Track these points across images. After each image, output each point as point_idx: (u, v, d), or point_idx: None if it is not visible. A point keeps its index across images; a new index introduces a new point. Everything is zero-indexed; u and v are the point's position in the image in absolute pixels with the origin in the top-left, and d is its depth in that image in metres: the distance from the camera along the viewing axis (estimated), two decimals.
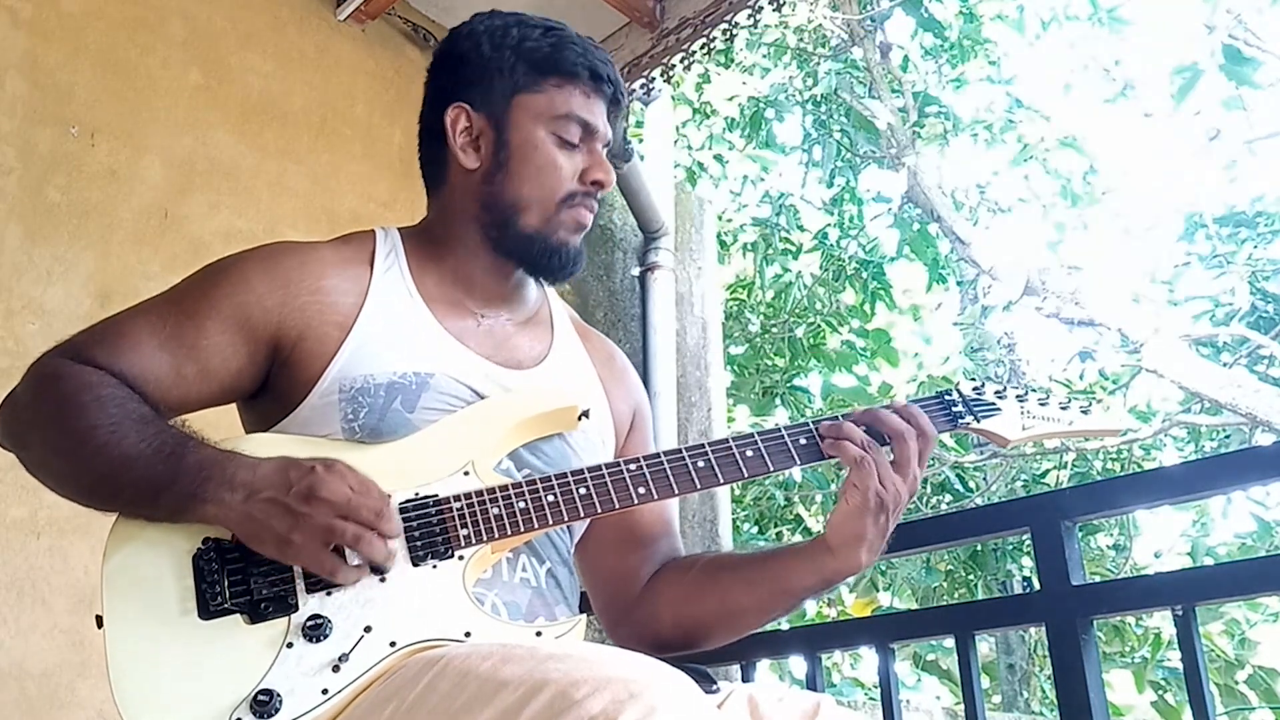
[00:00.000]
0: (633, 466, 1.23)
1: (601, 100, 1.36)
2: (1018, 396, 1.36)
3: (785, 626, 2.36)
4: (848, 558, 1.26)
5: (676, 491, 1.24)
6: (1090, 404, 1.39)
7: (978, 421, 1.34)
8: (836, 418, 1.28)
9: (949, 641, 3.65)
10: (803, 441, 1.27)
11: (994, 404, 1.35)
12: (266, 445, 1.20)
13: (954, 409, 1.34)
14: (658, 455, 1.25)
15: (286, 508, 1.09)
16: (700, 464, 1.25)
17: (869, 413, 1.28)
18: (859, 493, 1.23)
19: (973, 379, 1.40)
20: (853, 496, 1.24)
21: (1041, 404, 1.36)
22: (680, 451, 1.25)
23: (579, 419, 1.31)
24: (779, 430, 1.28)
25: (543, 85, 1.34)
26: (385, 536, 1.12)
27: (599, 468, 1.23)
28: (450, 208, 1.38)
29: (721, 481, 1.25)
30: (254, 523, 1.10)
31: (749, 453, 1.26)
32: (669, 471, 1.24)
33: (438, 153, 1.39)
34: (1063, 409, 1.37)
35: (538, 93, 1.34)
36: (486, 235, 1.35)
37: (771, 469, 1.27)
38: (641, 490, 1.22)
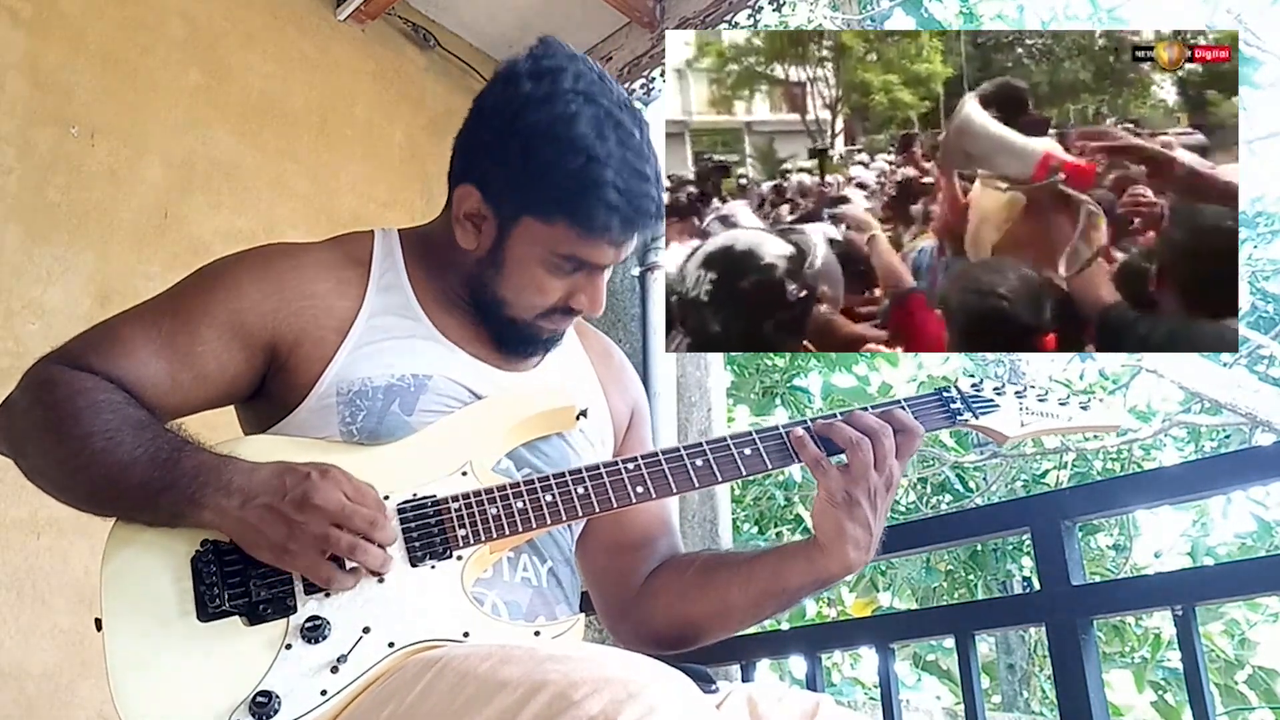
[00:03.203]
0: (631, 466, 1.23)
1: (618, 245, 1.26)
2: (1016, 393, 1.36)
3: (785, 626, 2.37)
4: (837, 554, 1.25)
5: (674, 490, 1.24)
6: (1089, 400, 1.39)
7: (976, 418, 1.34)
8: (834, 415, 1.28)
9: (949, 641, 3.65)
10: None
11: (992, 400, 1.35)
12: (264, 447, 1.20)
13: (952, 406, 1.34)
14: (656, 455, 1.25)
15: (281, 514, 1.09)
16: (698, 463, 1.25)
17: (850, 415, 1.28)
18: (821, 487, 1.24)
19: (971, 376, 1.40)
20: (820, 490, 1.25)
21: (1040, 400, 1.36)
22: (678, 450, 1.25)
23: (577, 419, 1.31)
24: (777, 429, 1.28)
25: (553, 219, 1.22)
26: (380, 544, 1.12)
27: (597, 467, 1.23)
28: (449, 251, 1.34)
29: (720, 480, 1.25)
30: (250, 529, 1.10)
31: (747, 451, 1.26)
32: (667, 471, 1.24)
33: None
34: (1062, 405, 1.37)
35: (546, 224, 1.23)
36: (473, 301, 1.33)
37: (769, 468, 1.27)
38: (640, 489, 1.22)
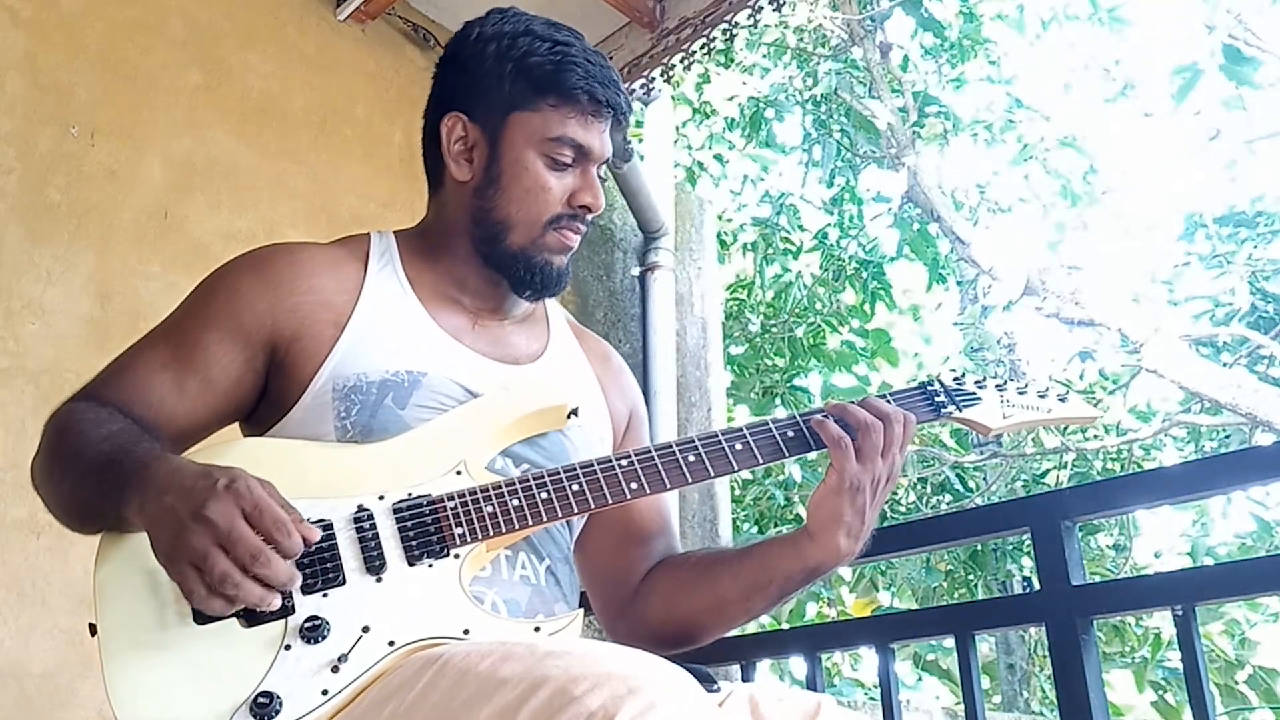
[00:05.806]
0: (625, 462, 1.24)
1: (601, 121, 1.34)
2: (997, 386, 1.39)
3: (785, 626, 2.37)
4: (827, 542, 1.26)
5: (668, 485, 1.25)
6: (1067, 392, 1.42)
7: (959, 410, 1.36)
8: (822, 410, 1.29)
9: (949, 641, 3.65)
10: (790, 434, 1.29)
11: (974, 394, 1.37)
12: (253, 449, 1.20)
13: (936, 399, 1.36)
14: (648, 450, 1.26)
15: (177, 518, 1.02)
16: (690, 457, 1.25)
17: (861, 402, 1.30)
18: (835, 471, 1.25)
19: (954, 370, 1.42)
20: (830, 476, 1.26)
21: (1020, 393, 1.39)
22: (671, 446, 1.26)
23: (568, 417, 1.31)
24: (767, 423, 1.30)
25: (539, 105, 1.32)
26: (259, 579, 1.02)
27: (591, 464, 1.24)
28: (445, 214, 1.39)
29: (712, 474, 1.26)
30: (152, 525, 1.05)
31: (738, 446, 1.27)
32: (660, 465, 1.25)
33: (435, 157, 1.39)
34: (1041, 397, 1.39)
35: (533, 112, 1.32)
36: (476, 248, 1.36)
37: (760, 461, 1.28)
38: (634, 485, 1.23)
